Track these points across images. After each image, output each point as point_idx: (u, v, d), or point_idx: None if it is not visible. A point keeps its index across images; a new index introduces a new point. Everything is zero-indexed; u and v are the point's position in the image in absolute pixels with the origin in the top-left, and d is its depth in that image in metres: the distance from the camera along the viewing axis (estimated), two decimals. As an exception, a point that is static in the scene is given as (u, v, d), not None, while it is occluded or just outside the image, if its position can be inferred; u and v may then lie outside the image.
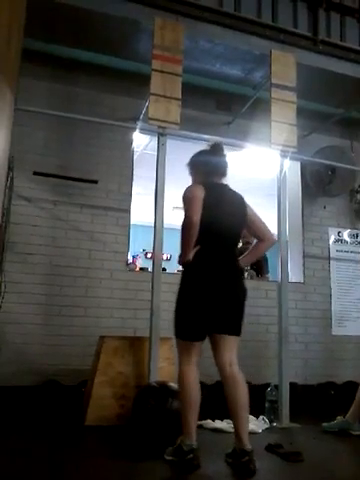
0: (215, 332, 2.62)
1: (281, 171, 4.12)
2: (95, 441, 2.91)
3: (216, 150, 2.85)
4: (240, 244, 5.55)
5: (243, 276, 2.82)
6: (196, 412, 2.50)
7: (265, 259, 5.56)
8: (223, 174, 2.83)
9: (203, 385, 4.11)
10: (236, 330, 2.65)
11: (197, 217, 2.53)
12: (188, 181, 2.85)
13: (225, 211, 2.68)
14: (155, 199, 3.68)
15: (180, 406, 2.56)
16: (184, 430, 2.48)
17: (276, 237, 3.21)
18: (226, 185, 2.81)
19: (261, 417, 3.58)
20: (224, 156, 2.86)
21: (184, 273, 2.69)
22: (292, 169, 4.83)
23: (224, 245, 2.68)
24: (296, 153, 4.14)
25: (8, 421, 3.28)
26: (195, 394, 2.52)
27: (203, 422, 3.38)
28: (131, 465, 2.46)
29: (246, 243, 5.56)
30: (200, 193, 2.61)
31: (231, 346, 2.62)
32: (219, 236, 2.65)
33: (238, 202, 2.80)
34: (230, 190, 2.81)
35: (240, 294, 2.69)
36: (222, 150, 2.86)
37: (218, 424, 3.27)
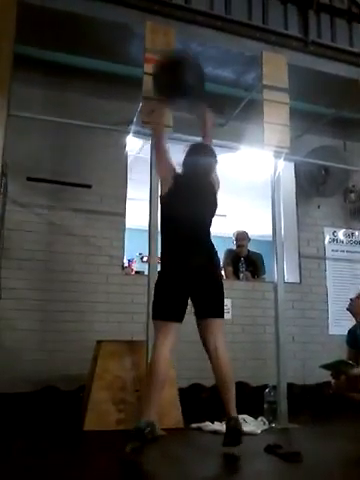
0: (199, 317, 2.79)
1: (275, 172, 4.12)
2: (94, 446, 2.90)
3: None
4: (235, 246, 5.60)
5: (216, 256, 2.92)
6: (160, 394, 2.59)
7: (261, 260, 5.56)
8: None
9: (202, 387, 4.16)
10: (217, 312, 2.80)
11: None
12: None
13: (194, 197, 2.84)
14: (150, 202, 3.68)
15: (145, 386, 2.62)
16: (144, 409, 2.54)
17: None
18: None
19: (260, 418, 3.58)
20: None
21: (160, 260, 2.86)
22: (286, 170, 4.84)
23: (194, 226, 2.82)
24: (289, 154, 4.14)
25: (6, 428, 3.25)
26: (162, 376, 2.60)
27: (202, 424, 3.38)
28: (132, 469, 2.44)
29: (240, 246, 5.58)
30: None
31: (214, 329, 2.78)
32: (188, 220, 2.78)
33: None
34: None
35: (215, 275, 2.83)
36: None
37: (217, 426, 3.26)
